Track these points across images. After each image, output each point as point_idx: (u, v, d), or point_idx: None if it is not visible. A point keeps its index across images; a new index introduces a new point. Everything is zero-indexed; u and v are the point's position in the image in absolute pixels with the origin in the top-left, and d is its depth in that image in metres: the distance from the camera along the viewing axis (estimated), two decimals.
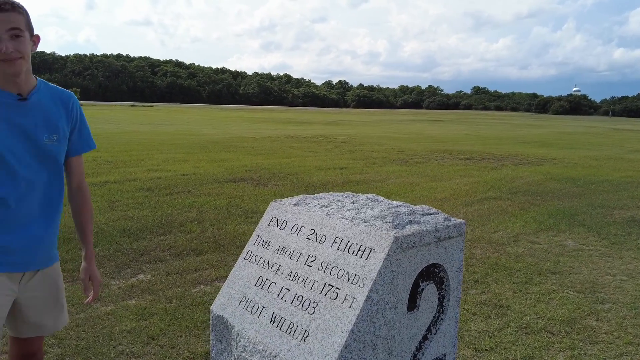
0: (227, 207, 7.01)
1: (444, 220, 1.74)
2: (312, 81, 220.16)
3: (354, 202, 1.85)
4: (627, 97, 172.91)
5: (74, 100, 1.94)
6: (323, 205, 1.88)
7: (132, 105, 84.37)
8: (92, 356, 2.99)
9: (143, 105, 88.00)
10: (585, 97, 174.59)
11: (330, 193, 2.06)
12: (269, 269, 1.81)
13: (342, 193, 1.99)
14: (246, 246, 1.97)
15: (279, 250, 1.84)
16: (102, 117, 35.85)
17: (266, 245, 1.89)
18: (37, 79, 1.84)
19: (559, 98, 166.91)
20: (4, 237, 1.73)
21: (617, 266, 5.05)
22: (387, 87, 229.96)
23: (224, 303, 1.85)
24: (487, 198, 8.40)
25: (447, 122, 51.82)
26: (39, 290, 1.88)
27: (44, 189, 1.82)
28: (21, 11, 1.70)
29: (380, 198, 1.91)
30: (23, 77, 1.75)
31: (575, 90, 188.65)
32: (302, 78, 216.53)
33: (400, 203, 1.83)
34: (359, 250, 1.58)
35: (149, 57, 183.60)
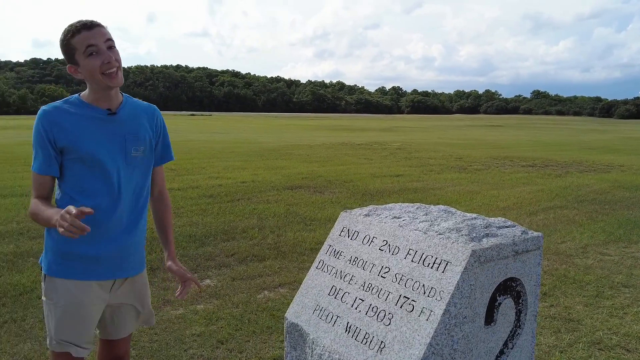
0: (286, 215, 7.12)
1: (522, 233, 1.72)
2: (365, 88, 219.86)
3: (426, 214, 1.85)
4: None
5: (157, 114, 2.05)
6: (394, 217, 1.89)
7: (192, 115, 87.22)
8: (165, 359, 3.12)
9: (202, 114, 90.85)
10: None
11: (400, 204, 2.07)
12: (342, 278, 1.84)
13: (412, 204, 2.00)
14: (318, 255, 2.01)
15: (351, 261, 1.86)
16: None
17: (338, 255, 1.93)
18: (122, 94, 1.95)
19: (625, 102, 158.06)
20: (94, 247, 1.83)
21: None
22: (443, 92, 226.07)
23: (298, 311, 1.89)
24: (552, 207, 8.09)
25: (506, 127, 50.32)
26: (128, 297, 1.99)
27: (133, 199, 1.92)
28: (106, 28, 1.81)
29: (453, 210, 1.90)
30: (114, 92, 1.85)
31: None
32: (355, 85, 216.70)
33: (474, 215, 1.82)
34: (434, 263, 1.58)
35: (206, 67, 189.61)
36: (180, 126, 39.73)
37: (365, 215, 1.95)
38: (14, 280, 4.35)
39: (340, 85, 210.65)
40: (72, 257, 1.84)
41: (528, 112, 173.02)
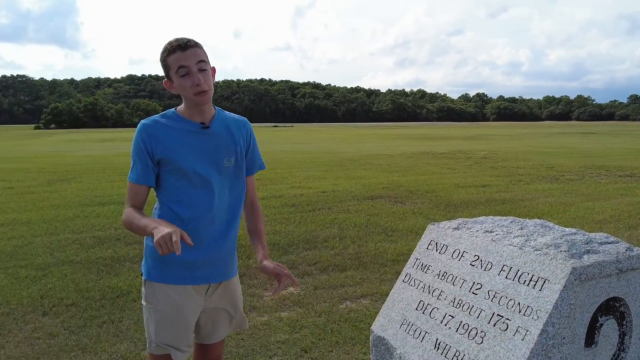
0: (367, 225, 7.10)
1: (626, 250, 1.60)
2: (447, 95, 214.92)
3: (521, 228, 1.77)
4: None
5: (248, 125, 2.14)
6: (487, 231, 1.82)
7: (275, 126, 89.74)
8: None
9: (284, 126, 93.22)
10: None
11: (492, 217, 1.99)
12: (430, 293, 1.81)
13: (505, 217, 1.92)
14: (404, 268, 1.98)
15: (440, 275, 1.82)
16: None
17: (426, 269, 1.89)
18: (215, 107, 2.05)
19: None
20: (191, 254, 1.90)
21: None
22: (531, 99, 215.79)
23: (385, 325, 1.88)
24: None
25: (600, 134, 47.00)
26: (222, 301, 2.07)
27: (226, 207, 2.01)
28: (201, 47, 1.89)
29: (551, 224, 1.80)
30: (207, 107, 1.95)
31: None
32: (437, 92, 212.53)
33: (574, 230, 1.71)
34: (530, 280, 1.51)
35: (289, 80, 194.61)
36: (264, 137, 40.98)
37: (455, 228, 1.91)
38: (112, 284, 4.68)
39: (421, 93, 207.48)
40: (170, 262, 1.92)
41: (625, 118, 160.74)
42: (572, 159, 18.16)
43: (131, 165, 1.94)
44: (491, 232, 1.79)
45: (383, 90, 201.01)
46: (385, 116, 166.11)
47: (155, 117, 1.96)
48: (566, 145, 28.32)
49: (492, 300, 1.57)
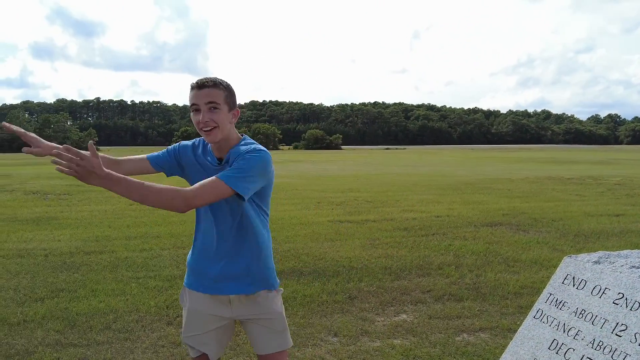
0: (485, 253, 6.72)
1: None
2: (575, 116, 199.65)
3: None
4: None
5: (244, 151, 1.99)
6: (633, 266, 1.61)
7: (387, 149, 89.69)
8: None
9: (396, 148, 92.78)
10: None
11: (638, 251, 1.76)
12: (566, 332, 1.63)
13: None
14: (536, 304, 1.82)
15: (577, 313, 1.64)
16: (362, 160, 39.08)
17: (560, 306, 1.71)
18: (242, 136, 2.11)
19: None
20: (202, 264, 2.12)
21: None
22: None
23: None
24: None
25: None
26: (251, 313, 2.12)
27: (229, 223, 2.05)
28: (222, 87, 1.96)
29: None
30: (222, 144, 2.04)
31: None
32: (564, 113, 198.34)
33: None
34: None
35: (402, 102, 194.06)
36: (376, 159, 41.07)
37: (595, 262, 1.71)
38: None
39: (546, 114, 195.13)
40: (192, 271, 2.17)
41: None
42: None
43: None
44: (638, 267, 1.57)
45: (503, 111, 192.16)
46: (505, 138, 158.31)
47: (198, 140, 2.19)
48: None
49: (639, 345, 1.37)
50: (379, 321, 4.31)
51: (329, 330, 4.08)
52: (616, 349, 1.45)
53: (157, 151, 2.24)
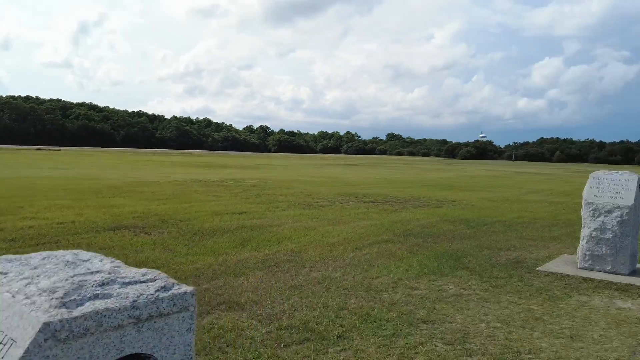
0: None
1: (156, 290, 1.36)
2: (233, 125, 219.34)
3: (35, 267, 1.43)
4: (528, 142, 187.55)
5: None
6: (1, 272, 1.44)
7: (38, 149, 79.15)
8: None
9: (50, 149, 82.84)
10: (490, 142, 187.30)
11: (43, 253, 1.63)
12: None
13: (42, 253, 1.57)
14: None
15: None
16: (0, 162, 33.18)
17: None
18: None
19: (466, 144, 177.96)
20: None
21: (492, 312, 4.96)
22: (308, 133, 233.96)
23: None
24: (378, 241, 8.34)
25: (362, 166, 53.10)
26: None
27: None
28: None
29: (86, 256, 1.52)
30: None
31: (481, 137, 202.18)
32: (223, 122, 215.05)
33: (109, 268, 1.44)
34: (1, 342, 1.17)
35: (60, 99, 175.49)
36: (20, 160, 35.63)
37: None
38: None
39: (207, 122, 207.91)
40: None
41: (383, 152, 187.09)
42: (330, 187, 19.84)
43: None
44: (6, 274, 1.43)
45: (168, 116, 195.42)
46: (169, 143, 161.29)
47: None
48: (330, 175, 31.07)
49: None
50: None
51: None
52: None
53: None
